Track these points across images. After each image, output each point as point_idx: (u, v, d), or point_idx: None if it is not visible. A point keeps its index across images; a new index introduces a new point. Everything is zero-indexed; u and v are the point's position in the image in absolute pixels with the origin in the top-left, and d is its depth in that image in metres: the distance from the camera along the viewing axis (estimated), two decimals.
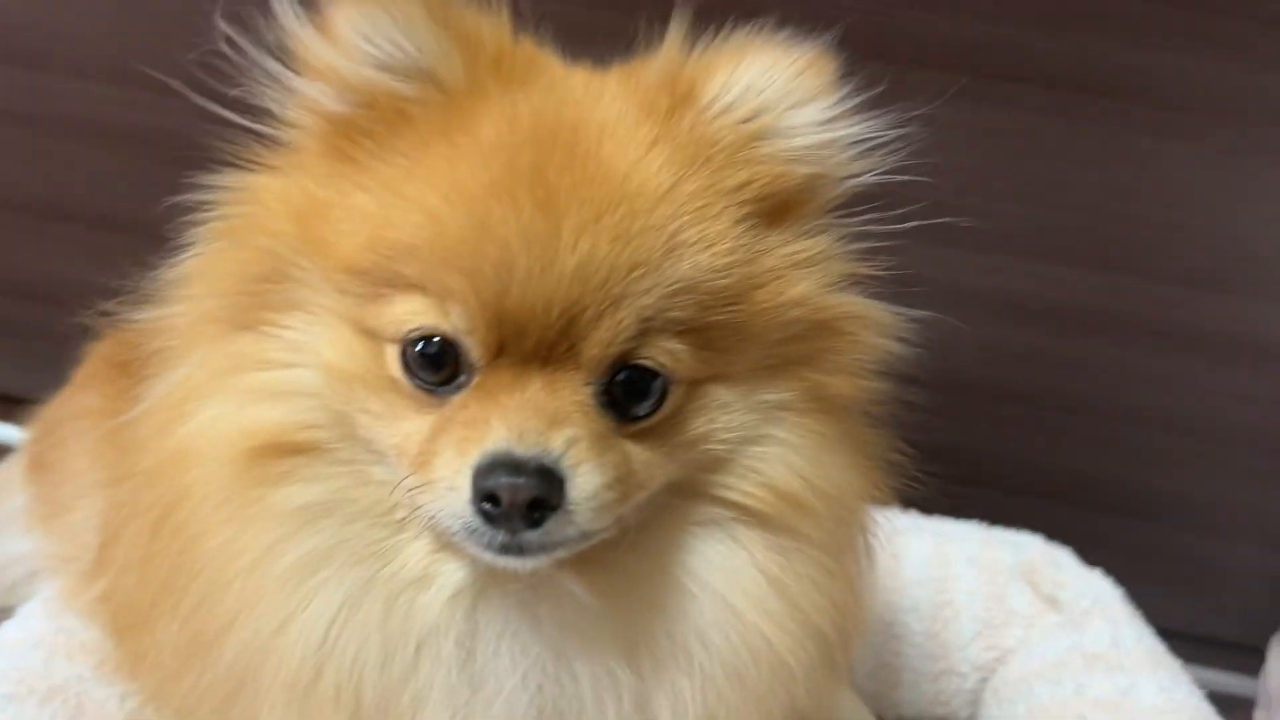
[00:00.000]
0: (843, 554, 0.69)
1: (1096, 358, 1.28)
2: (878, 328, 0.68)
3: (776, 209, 0.64)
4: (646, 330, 0.59)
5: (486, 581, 0.63)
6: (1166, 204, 1.18)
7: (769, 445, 0.65)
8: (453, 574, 0.63)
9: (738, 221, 0.62)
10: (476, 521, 0.57)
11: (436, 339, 0.60)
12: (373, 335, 0.62)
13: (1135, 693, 0.99)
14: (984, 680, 1.11)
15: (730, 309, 0.62)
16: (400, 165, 0.61)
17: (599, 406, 0.60)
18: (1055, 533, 1.20)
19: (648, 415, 0.61)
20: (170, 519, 0.66)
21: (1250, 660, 1.37)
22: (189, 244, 0.67)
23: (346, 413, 0.63)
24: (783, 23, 0.70)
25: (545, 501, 0.56)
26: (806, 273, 0.65)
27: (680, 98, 0.63)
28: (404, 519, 0.63)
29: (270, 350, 0.65)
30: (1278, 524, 1.36)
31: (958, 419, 1.34)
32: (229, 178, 0.66)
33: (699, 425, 0.64)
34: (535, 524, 0.57)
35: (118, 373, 0.87)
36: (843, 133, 0.64)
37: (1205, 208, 1.18)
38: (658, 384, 0.61)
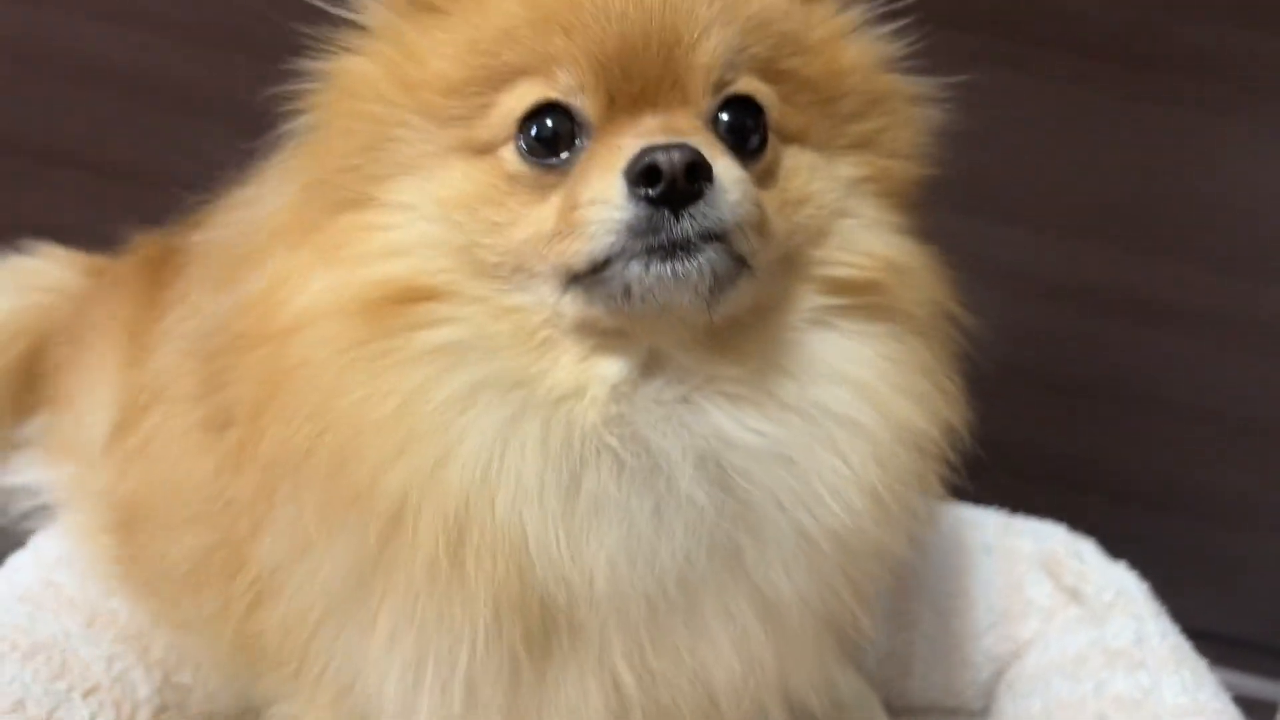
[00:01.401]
0: (943, 357, 0.73)
1: (1126, 341, 1.23)
2: (921, 101, 0.75)
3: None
4: (735, 64, 0.65)
5: (638, 378, 0.65)
6: (1196, 182, 1.13)
7: (859, 218, 0.71)
8: (605, 377, 0.65)
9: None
10: (637, 211, 0.59)
11: (551, 110, 0.63)
12: (485, 149, 0.65)
13: (1158, 692, 0.94)
14: (999, 673, 1.07)
15: (798, 58, 0.68)
16: None
17: (718, 140, 0.64)
18: (1079, 524, 1.15)
19: (757, 151, 0.66)
20: (277, 400, 0.65)
21: (1273, 661, 1.32)
22: (281, 137, 0.70)
23: (470, 244, 0.65)
24: None
25: (700, 169, 0.59)
26: (853, 42, 0.72)
27: None
28: (546, 339, 0.65)
29: (380, 216, 0.66)
30: None
31: (980, 402, 1.30)
32: (317, 64, 0.68)
33: (799, 183, 0.69)
34: (695, 196, 0.59)
35: (150, 282, 0.91)
36: None
37: (1249, 190, 1.13)
38: (759, 120, 0.67)
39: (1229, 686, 1.01)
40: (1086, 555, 1.08)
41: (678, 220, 0.60)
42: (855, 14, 0.73)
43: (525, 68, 0.64)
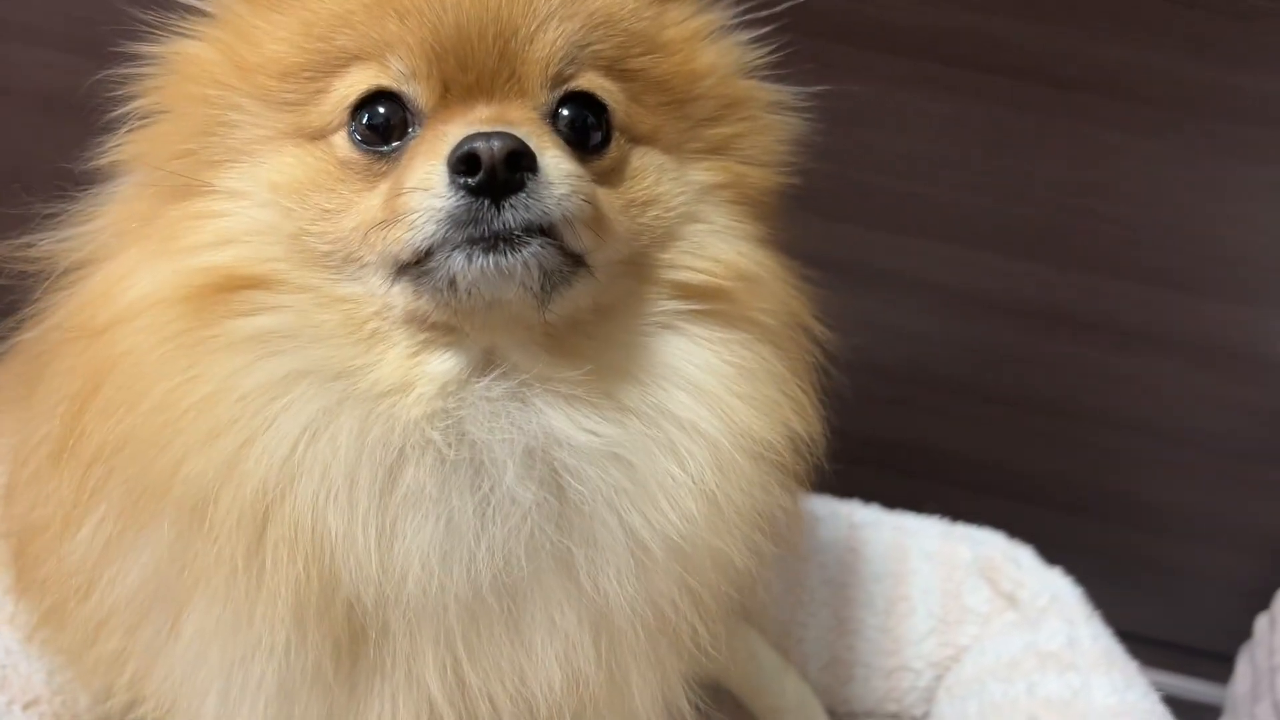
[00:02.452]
0: (795, 367, 0.71)
1: (1062, 356, 1.26)
2: (780, 109, 0.74)
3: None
4: (576, 60, 0.65)
5: (469, 376, 0.64)
6: (1134, 201, 1.16)
7: (709, 224, 0.70)
8: (434, 373, 0.63)
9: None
10: (457, 200, 0.58)
11: (383, 97, 0.63)
12: (318, 135, 0.64)
13: (1088, 693, 0.97)
14: (938, 678, 1.09)
15: (648, 57, 0.68)
16: None
17: (553, 132, 0.64)
18: (1021, 535, 1.18)
19: (600, 148, 0.65)
20: (101, 393, 0.63)
21: (1220, 668, 1.35)
22: (118, 128, 0.68)
23: (301, 231, 0.64)
24: None
25: (522, 158, 0.58)
26: (709, 46, 0.71)
27: None
28: (374, 333, 0.64)
29: (212, 204, 0.65)
30: (1247, 529, 1.35)
31: (921, 414, 1.33)
32: (154, 49, 0.67)
33: (646, 185, 0.68)
34: (517, 187, 0.58)
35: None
36: None
37: (1173, 206, 1.16)
38: (602, 118, 0.66)
39: (1171, 691, 1.03)
40: (1023, 561, 1.11)
41: (499, 211, 0.58)
42: (713, 17, 0.72)
43: (359, 53, 0.63)
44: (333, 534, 0.60)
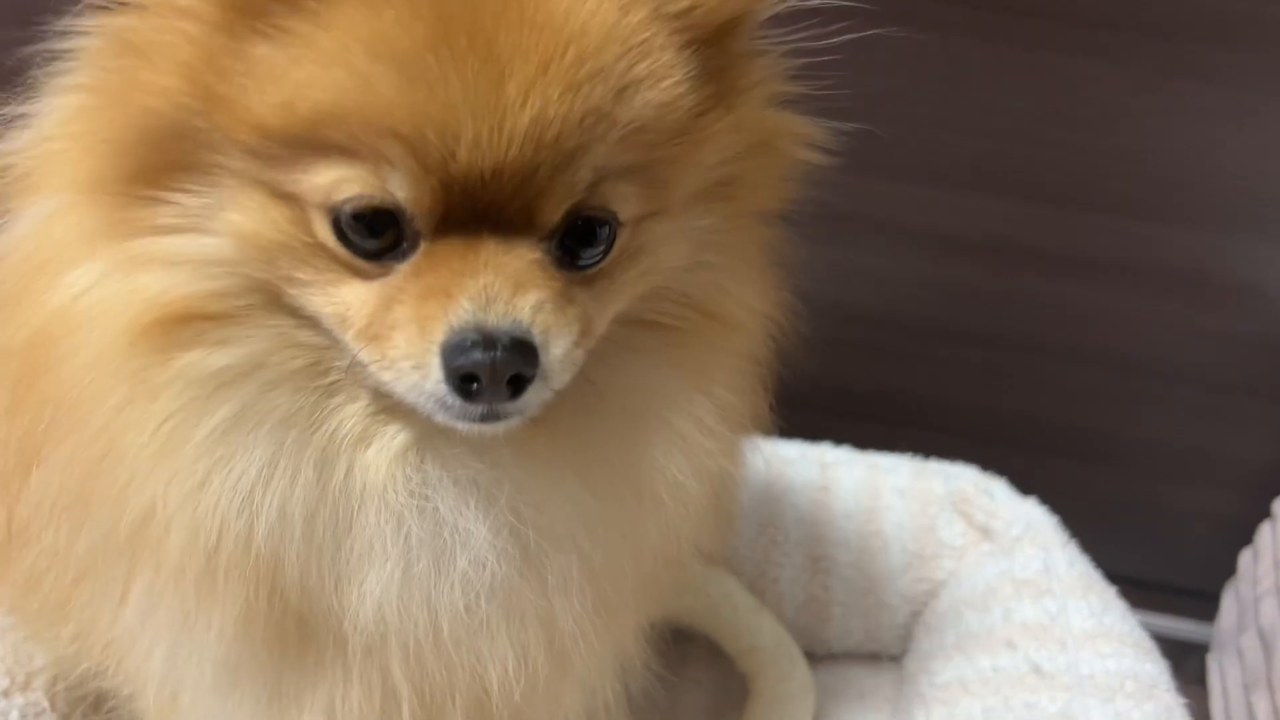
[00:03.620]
0: (756, 393, 0.70)
1: (1032, 293, 1.25)
2: (804, 140, 0.67)
3: (717, 32, 0.60)
4: (598, 182, 0.57)
5: (435, 436, 0.61)
6: (1096, 130, 1.15)
7: (702, 271, 0.65)
8: (396, 433, 0.61)
9: (682, 48, 0.58)
10: (453, 399, 0.55)
11: (375, 212, 0.55)
12: (293, 200, 0.56)
13: (1064, 617, 0.96)
14: (915, 614, 1.08)
15: (676, 142, 0.59)
16: (309, 10, 0.53)
17: (554, 263, 0.57)
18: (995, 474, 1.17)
19: (597, 262, 0.59)
20: (39, 384, 0.60)
21: (1205, 606, 1.34)
22: (48, 94, 0.60)
23: (268, 280, 0.58)
24: None
25: (524, 375, 0.55)
26: (745, 97, 0.62)
27: None
28: (336, 382, 0.60)
29: (164, 215, 0.58)
30: (1226, 463, 1.33)
31: (889, 357, 1.31)
32: (98, 20, 0.57)
33: (643, 262, 0.62)
34: (515, 395, 0.55)
35: None
36: None
37: (1136, 133, 1.14)
38: (607, 230, 0.59)
39: (1156, 630, 1.02)
40: (997, 493, 1.10)
41: (506, 400, 0.55)
42: (755, 64, 0.63)
43: (353, 151, 0.54)
44: (287, 569, 0.60)
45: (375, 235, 0.56)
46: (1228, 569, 1.30)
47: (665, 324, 0.65)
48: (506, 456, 0.62)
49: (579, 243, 0.58)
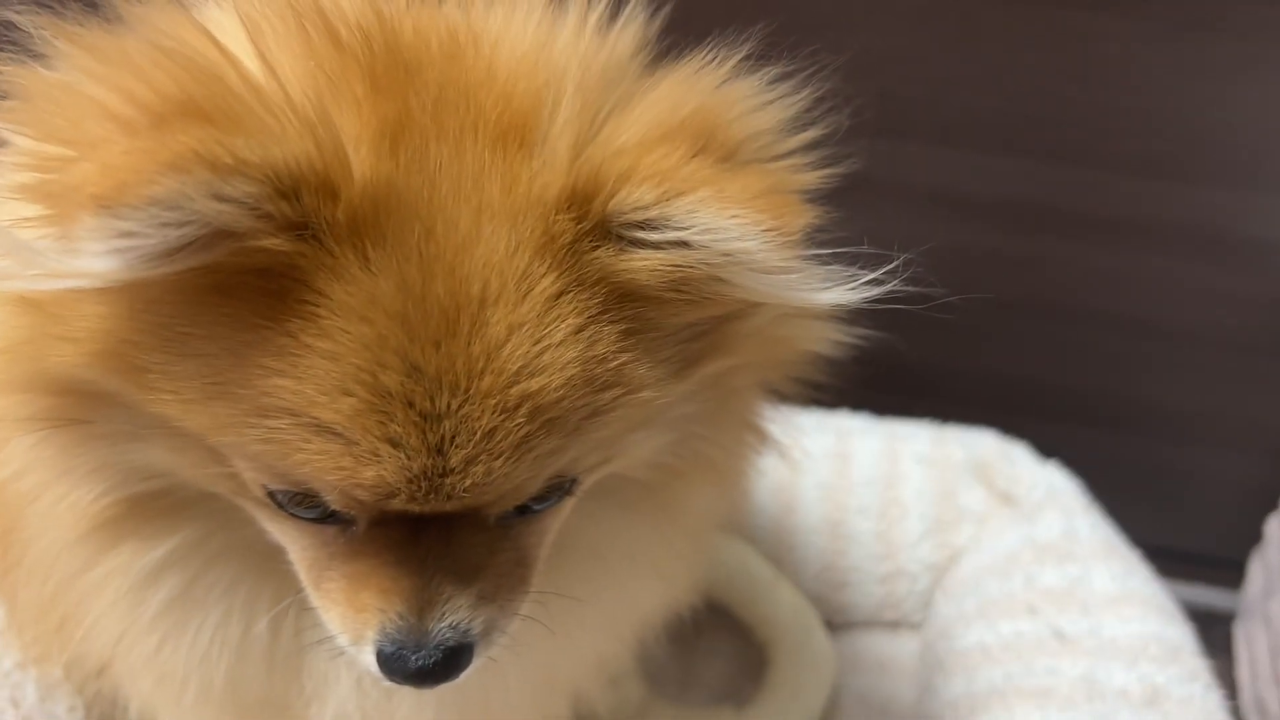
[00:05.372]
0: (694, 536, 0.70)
1: (1050, 254, 1.23)
2: (818, 342, 0.62)
3: (708, 331, 0.54)
4: (553, 479, 0.53)
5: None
6: (1113, 87, 1.12)
7: (685, 442, 0.60)
8: None
9: (668, 357, 0.52)
10: (388, 681, 0.54)
11: (304, 499, 0.51)
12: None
13: (1087, 581, 0.95)
14: (935, 581, 1.07)
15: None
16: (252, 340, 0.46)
17: (502, 522, 0.54)
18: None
19: (552, 504, 0.55)
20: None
21: (1230, 574, 1.32)
22: None
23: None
24: None
25: (460, 664, 0.53)
26: (739, 346, 0.56)
27: (587, 219, 0.49)
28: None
29: (94, 427, 0.53)
30: (1253, 428, 1.31)
31: (908, 323, 1.29)
32: None
33: (612, 465, 0.57)
34: (454, 671, 0.53)
35: None
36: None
37: (1153, 90, 1.12)
38: (565, 485, 0.55)
39: (1181, 600, 1.01)
40: (1017, 458, 1.08)
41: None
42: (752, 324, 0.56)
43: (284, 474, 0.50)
44: (250, 696, 0.64)
45: (313, 508, 0.52)
46: (1254, 536, 1.28)
47: (627, 475, 0.60)
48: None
49: (533, 500, 0.54)
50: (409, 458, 0.47)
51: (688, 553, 0.69)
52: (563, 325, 0.48)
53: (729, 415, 0.63)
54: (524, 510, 0.54)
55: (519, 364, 0.47)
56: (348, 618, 0.52)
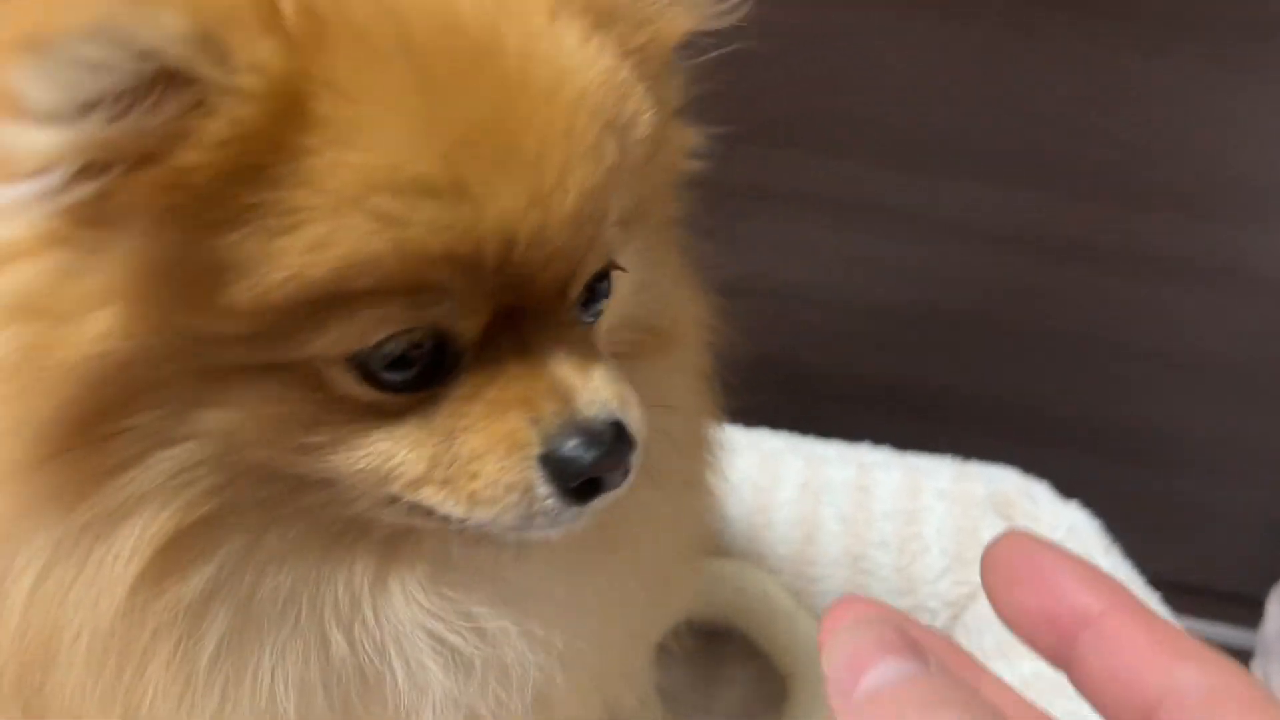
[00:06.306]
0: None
1: (1072, 286, 1.23)
2: (690, 149, 0.63)
3: (665, 63, 0.57)
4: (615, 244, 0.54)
5: (452, 558, 0.57)
6: (1138, 123, 1.13)
7: (643, 291, 0.61)
8: (413, 561, 0.56)
9: (642, 80, 0.54)
10: (546, 501, 0.51)
11: (413, 340, 0.49)
12: (294, 366, 0.48)
13: None
14: (955, 618, 1.07)
15: (646, 175, 0.56)
16: (279, 175, 0.45)
17: (581, 330, 0.54)
18: (1036, 475, 1.16)
19: (601, 311, 0.57)
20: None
21: (1247, 611, 1.32)
22: None
23: (259, 464, 0.50)
24: None
25: (628, 442, 0.51)
26: (672, 116, 0.59)
27: None
28: (340, 532, 0.54)
29: (113, 454, 0.49)
30: (1272, 464, 1.31)
31: (929, 352, 1.30)
32: None
33: (614, 295, 0.58)
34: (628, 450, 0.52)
35: None
36: None
37: (1179, 127, 1.13)
38: (608, 280, 0.56)
39: (1200, 636, 1.00)
40: (1039, 496, 1.09)
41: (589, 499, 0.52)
42: (682, 87, 0.61)
43: (380, 292, 0.47)
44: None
45: (410, 366, 0.50)
46: (1273, 572, 1.28)
47: (621, 353, 0.60)
48: (530, 562, 0.58)
49: (589, 298, 0.55)
50: (515, 179, 0.47)
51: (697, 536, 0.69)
52: (571, 31, 0.50)
53: (665, 257, 0.64)
54: (591, 303, 0.55)
55: (561, 60, 0.49)
56: (504, 459, 0.50)
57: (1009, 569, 0.42)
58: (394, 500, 0.52)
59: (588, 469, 0.50)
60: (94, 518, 0.49)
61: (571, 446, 0.50)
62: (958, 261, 1.22)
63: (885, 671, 0.37)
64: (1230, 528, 1.36)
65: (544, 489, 0.50)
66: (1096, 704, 0.40)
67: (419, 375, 0.50)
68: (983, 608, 1.05)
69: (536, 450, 0.50)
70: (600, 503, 0.52)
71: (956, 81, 1.13)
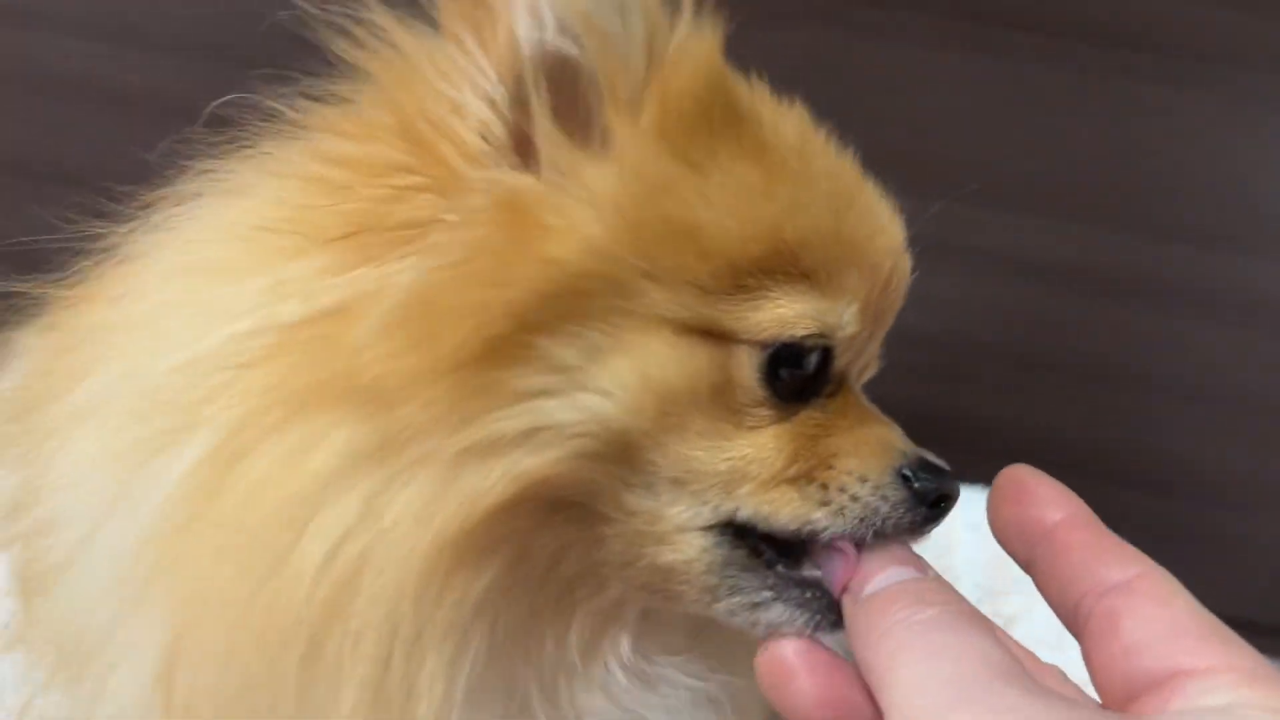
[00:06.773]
0: None
1: (1105, 319, 1.24)
2: None
3: None
4: None
5: (653, 627, 0.58)
6: (1174, 159, 1.14)
7: None
8: (618, 634, 0.56)
9: None
10: (907, 514, 0.55)
11: (815, 345, 0.52)
12: (718, 337, 0.50)
13: None
14: None
15: None
16: (775, 145, 0.53)
17: None
18: None
19: None
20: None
21: (1274, 642, 1.31)
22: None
23: (634, 440, 0.49)
24: None
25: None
26: None
27: None
28: (663, 536, 0.52)
29: (525, 378, 0.47)
30: None
31: (960, 382, 1.31)
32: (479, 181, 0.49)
33: None
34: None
35: None
36: None
37: (1214, 162, 1.14)
38: None
39: None
40: None
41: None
42: None
43: (815, 279, 0.51)
44: None
45: (801, 382, 0.53)
46: None
47: None
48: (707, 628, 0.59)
49: None
50: (880, 203, 0.57)
51: None
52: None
53: None
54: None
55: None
56: (862, 453, 0.54)
57: (1000, 490, 0.53)
58: (711, 517, 0.52)
59: (939, 491, 0.56)
60: (472, 445, 0.47)
61: (923, 476, 0.55)
62: (987, 292, 1.23)
63: (888, 576, 0.49)
64: (1257, 557, 1.36)
65: (900, 493, 0.54)
66: (1047, 598, 0.52)
67: (802, 382, 0.53)
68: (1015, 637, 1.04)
69: (899, 461, 0.55)
70: (938, 525, 0.58)
71: (984, 115, 1.14)
